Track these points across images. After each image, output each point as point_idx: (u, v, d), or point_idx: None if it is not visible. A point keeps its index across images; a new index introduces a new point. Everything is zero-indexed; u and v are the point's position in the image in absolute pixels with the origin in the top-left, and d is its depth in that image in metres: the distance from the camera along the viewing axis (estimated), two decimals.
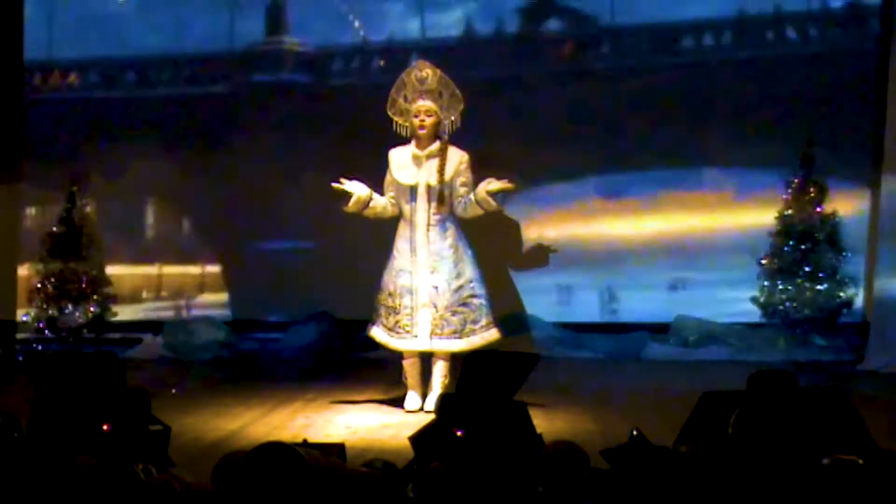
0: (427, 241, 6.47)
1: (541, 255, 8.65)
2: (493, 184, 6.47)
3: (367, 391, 7.00)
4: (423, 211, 6.49)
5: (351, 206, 6.58)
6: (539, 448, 4.13)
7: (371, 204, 6.57)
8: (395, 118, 6.62)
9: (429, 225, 6.48)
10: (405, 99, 6.58)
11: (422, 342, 6.42)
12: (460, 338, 6.41)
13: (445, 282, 6.43)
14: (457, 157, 6.54)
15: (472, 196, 6.50)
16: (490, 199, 6.47)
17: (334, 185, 6.54)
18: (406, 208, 6.53)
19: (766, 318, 8.42)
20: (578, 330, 8.88)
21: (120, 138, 9.19)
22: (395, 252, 6.53)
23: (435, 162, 6.50)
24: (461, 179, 6.54)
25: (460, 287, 6.44)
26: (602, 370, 8.17)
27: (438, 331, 6.41)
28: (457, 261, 6.48)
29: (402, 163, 6.56)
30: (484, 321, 6.48)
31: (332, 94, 9.26)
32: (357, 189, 6.57)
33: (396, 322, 6.46)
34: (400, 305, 6.44)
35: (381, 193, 6.61)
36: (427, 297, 6.42)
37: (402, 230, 6.55)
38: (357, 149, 8.09)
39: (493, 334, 6.48)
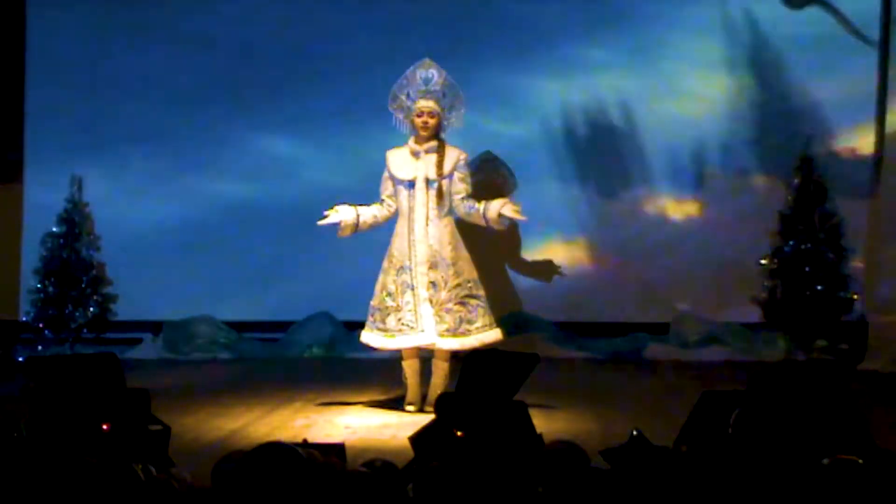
0: (426, 235, 6.47)
1: (541, 257, 8.66)
2: (507, 208, 6.50)
3: (367, 391, 7.01)
4: (421, 206, 6.49)
5: (343, 232, 6.64)
6: (539, 448, 4.13)
7: (361, 221, 6.60)
8: (396, 114, 6.63)
9: (427, 219, 6.48)
10: (408, 96, 6.57)
11: (428, 336, 6.40)
12: (455, 336, 6.41)
13: (443, 279, 6.42)
14: (454, 154, 6.55)
15: (479, 206, 6.53)
16: (500, 221, 6.54)
17: (320, 223, 6.61)
18: (405, 204, 6.52)
19: (766, 318, 8.42)
20: (578, 330, 8.88)
21: (120, 138, 9.17)
22: (393, 251, 6.53)
23: (433, 157, 6.50)
24: (459, 175, 6.55)
25: (458, 285, 6.44)
26: (602, 370, 8.17)
27: (437, 327, 6.41)
28: (455, 259, 6.47)
29: (400, 160, 6.57)
30: (480, 322, 6.47)
31: None
32: (343, 216, 6.60)
33: (399, 320, 6.44)
34: (402, 302, 6.44)
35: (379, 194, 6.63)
36: (426, 293, 6.42)
37: (401, 228, 6.54)
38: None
39: (490, 335, 6.47)
